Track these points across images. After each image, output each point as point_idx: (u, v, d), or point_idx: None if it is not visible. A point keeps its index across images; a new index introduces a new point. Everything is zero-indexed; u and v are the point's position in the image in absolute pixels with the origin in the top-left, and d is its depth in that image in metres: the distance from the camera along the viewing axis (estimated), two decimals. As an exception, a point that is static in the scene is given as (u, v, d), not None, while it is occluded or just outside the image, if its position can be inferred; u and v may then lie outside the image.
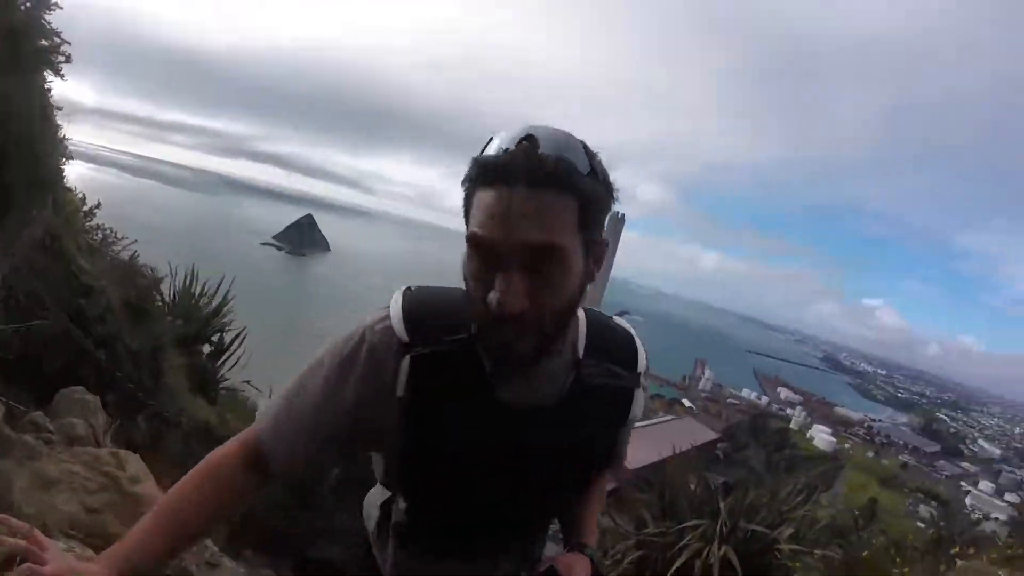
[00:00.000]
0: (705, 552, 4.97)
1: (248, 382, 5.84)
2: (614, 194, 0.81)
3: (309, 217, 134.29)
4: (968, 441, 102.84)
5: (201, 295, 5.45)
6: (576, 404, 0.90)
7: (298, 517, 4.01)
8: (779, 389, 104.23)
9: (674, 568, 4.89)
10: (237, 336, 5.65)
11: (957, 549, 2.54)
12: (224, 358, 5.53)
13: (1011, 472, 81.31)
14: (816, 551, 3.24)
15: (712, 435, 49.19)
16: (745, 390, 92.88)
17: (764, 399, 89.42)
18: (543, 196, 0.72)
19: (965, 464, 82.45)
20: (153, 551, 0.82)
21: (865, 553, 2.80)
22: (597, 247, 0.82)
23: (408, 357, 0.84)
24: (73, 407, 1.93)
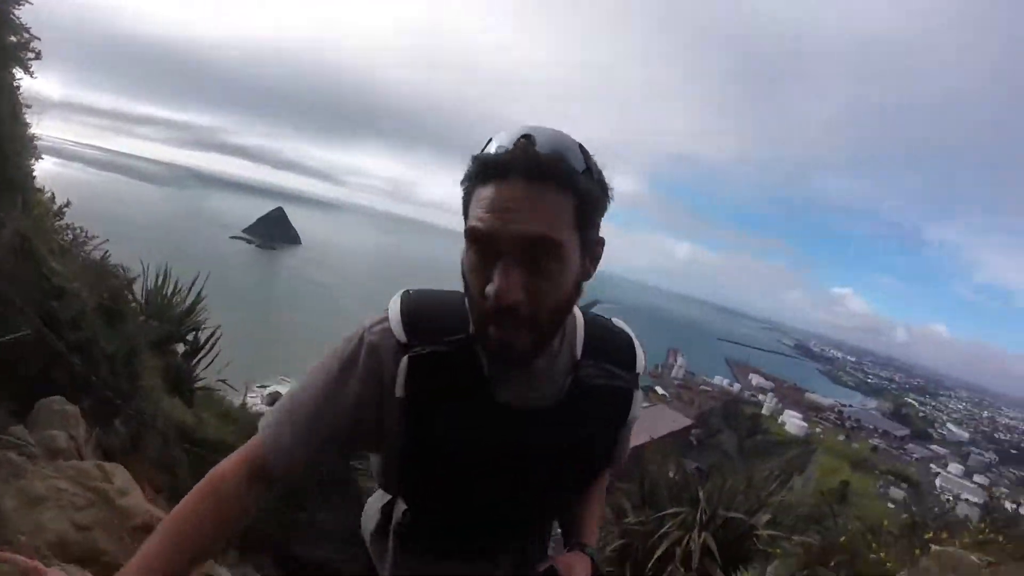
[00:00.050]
0: (685, 539, 5.08)
1: (224, 381, 5.76)
2: (609, 193, 0.83)
3: (279, 210, 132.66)
4: (937, 425, 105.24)
5: (174, 294, 5.33)
6: (575, 405, 0.91)
7: (281, 515, 3.99)
8: (751, 376, 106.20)
9: (656, 556, 4.99)
10: (212, 335, 5.55)
11: (931, 534, 2.63)
12: (199, 357, 5.42)
13: (980, 454, 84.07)
14: (794, 537, 3.32)
15: (686, 422, 49.94)
16: (717, 377, 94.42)
17: (736, 386, 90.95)
18: (540, 191, 0.74)
19: (934, 447, 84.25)
20: (161, 574, 0.80)
21: (843, 539, 2.89)
22: (594, 246, 0.84)
23: (406, 358, 0.85)
24: (53, 418, 1.87)
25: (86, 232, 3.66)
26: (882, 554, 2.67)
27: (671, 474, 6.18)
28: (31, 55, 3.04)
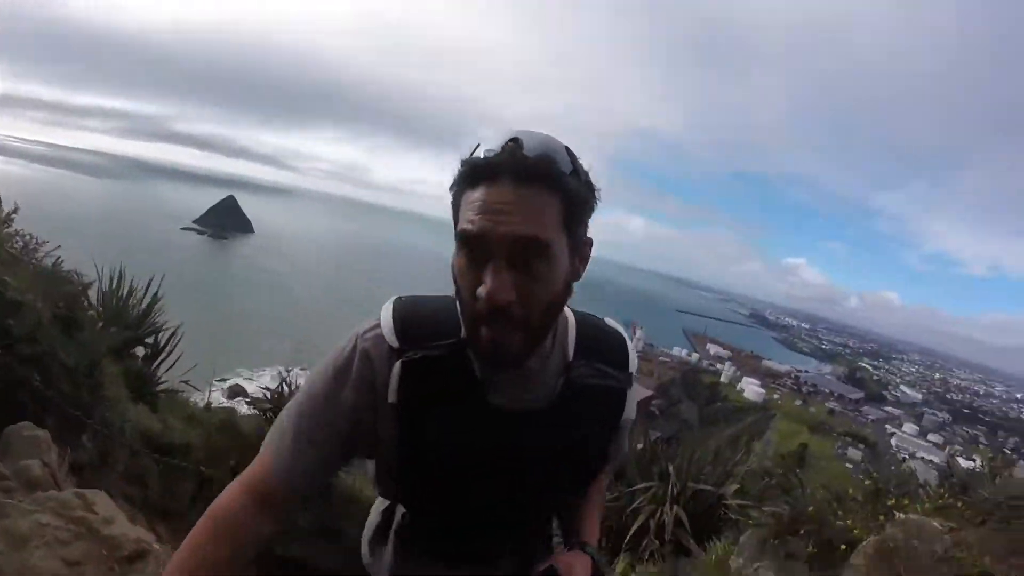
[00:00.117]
0: (658, 513, 5.23)
1: (187, 382, 5.60)
2: (596, 194, 0.84)
3: (231, 199, 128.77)
4: (891, 387, 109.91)
5: (129, 295, 5.13)
6: (568, 405, 0.92)
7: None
8: (708, 346, 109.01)
9: (631, 531, 5.13)
10: (172, 335, 5.37)
11: (893, 501, 2.78)
12: (160, 359, 5.25)
13: (933, 414, 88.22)
14: (764, 508, 3.46)
15: (647, 393, 50.91)
16: (676, 348, 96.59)
17: (694, 356, 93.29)
18: (528, 192, 0.76)
19: (889, 408, 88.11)
20: None
21: (811, 508, 3.01)
22: (583, 246, 0.86)
23: (399, 363, 0.85)
24: (24, 446, 1.80)
25: (36, 239, 3.48)
26: (848, 521, 2.81)
27: (638, 446, 6.33)
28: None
